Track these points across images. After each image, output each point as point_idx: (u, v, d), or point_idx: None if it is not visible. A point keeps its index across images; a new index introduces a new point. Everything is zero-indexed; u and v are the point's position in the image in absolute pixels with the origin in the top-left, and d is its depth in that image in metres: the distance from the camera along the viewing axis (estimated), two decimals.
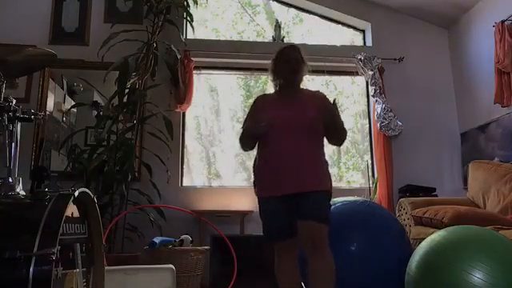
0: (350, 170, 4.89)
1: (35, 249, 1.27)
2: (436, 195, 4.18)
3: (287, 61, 2.31)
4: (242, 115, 4.63)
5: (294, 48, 2.38)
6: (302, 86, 2.38)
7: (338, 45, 4.85)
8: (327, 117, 2.15)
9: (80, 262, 1.59)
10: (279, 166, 2.16)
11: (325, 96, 2.39)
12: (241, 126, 2.38)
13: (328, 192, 2.20)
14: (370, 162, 4.71)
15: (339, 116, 2.22)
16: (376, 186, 4.46)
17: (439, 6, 4.70)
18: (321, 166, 2.23)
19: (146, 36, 4.05)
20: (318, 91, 2.45)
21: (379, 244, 2.54)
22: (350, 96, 5.05)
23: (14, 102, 1.75)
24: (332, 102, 2.17)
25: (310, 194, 2.12)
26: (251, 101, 2.46)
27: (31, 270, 1.24)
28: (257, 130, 2.18)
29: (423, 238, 2.32)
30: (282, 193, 2.14)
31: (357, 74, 4.72)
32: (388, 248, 2.56)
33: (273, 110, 2.27)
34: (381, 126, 4.50)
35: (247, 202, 4.28)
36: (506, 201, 3.21)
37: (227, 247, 3.34)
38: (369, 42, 4.98)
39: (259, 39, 4.82)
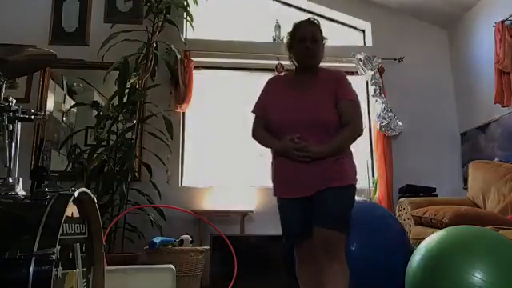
0: None
1: (35, 249, 1.27)
2: (436, 195, 4.18)
3: (302, 40, 2.05)
4: (242, 115, 4.61)
5: (311, 23, 2.11)
6: (320, 66, 2.14)
7: (338, 45, 4.84)
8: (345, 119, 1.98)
9: (80, 262, 1.59)
10: (289, 167, 1.99)
11: (343, 80, 2.12)
12: (251, 110, 2.19)
13: (349, 186, 1.97)
14: (369, 161, 4.70)
15: (360, 117, 2.05)
16: (376, 186, 4.46)
17: (439, 5, 4.70)
18: (337, 159, 1.97)
19: (146, 36, 4.06)
20: (339, 73, 2.17)
21: (379, 244, 2.54)
22: None
23: (14, 101, 1.75)
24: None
25: (325, 191, 1.91)
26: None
27: (31, 269, 1.24)
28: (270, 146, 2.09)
29: (423, 238, 2.32)
30: (294, 196, 1.99)
31: (357, 73, 4.72)
32: (388, 248, 2.56)
33: (283, 100, 2.07)
34: (381, 126, 4.51)
35: (247, 201, 4.29)
36: (506, 201, 3.21)
37: (227, 247, 3.33)
38: (369, 42, 4.98)
39: (259, 39, 4.80)
